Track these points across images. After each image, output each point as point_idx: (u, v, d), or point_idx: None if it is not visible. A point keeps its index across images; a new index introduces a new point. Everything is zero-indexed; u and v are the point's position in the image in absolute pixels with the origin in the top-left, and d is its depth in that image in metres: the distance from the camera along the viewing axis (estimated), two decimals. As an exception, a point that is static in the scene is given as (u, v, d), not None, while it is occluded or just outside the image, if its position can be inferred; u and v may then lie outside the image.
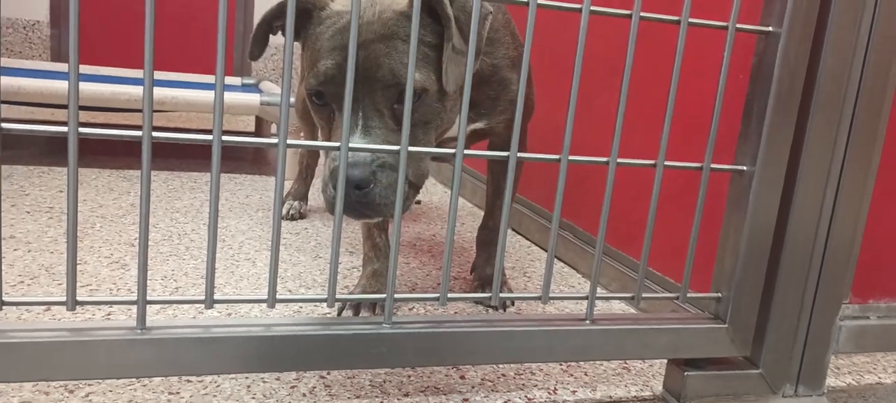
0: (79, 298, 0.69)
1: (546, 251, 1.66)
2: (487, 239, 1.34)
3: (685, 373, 0.93)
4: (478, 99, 1.13)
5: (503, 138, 1.23)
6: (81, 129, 0.65)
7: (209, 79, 2.78)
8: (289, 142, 0.71)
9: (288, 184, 1.83)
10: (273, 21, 0.96)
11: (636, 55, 0.81)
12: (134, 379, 0.89)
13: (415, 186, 0.93)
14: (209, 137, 0.68)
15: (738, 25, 0.85)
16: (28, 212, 1.52)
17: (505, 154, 0.80)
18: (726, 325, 0.92)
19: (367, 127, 0.87)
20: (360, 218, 0.88)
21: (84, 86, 1.97)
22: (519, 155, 0.80)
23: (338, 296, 0.78)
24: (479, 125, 1.18)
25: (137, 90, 2.02)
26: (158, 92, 2.03)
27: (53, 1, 3.70)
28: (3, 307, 0.68)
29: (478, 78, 1.10)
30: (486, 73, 1.11)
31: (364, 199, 0.85)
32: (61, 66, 2.65)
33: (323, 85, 0.88)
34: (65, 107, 2.18)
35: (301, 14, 0.93)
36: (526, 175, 1.76)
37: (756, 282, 0.92)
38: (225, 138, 0.69)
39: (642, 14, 0.81)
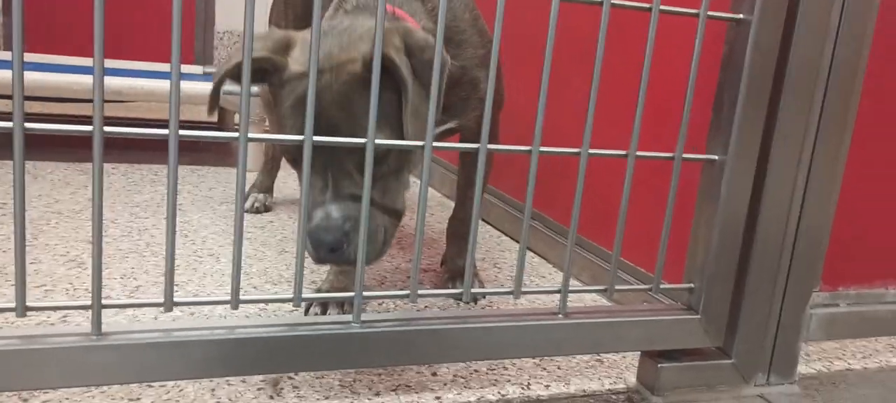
0: (29, 303, 0.65)
1: (516, 241, 1.65)
2: (458, 230, 1.32)
3: (658, 365, 0.92)
4: (448, 102, 1.11)
5: (474, 131, 1.21)
6: (28, 124, 0.62)
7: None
8: (251, 135, 0.68)
9: (252, 176, 1.79)
10: (228, 78, 0.91)
11: (607, 43, 0.79)
12: (92, 386, 0.85)
13: (394, 224, 0.95)
14: (166, 131, 0.65)
15: (710, 13, 0.84)
16: (-20, 210, 1.46)
17: (475, 146, 0.77)
18: (699, 316, 0.92)
19: (338, 191, 0.88)
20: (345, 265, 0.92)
21: (34, 76, 1.90)
22: (488, 146, 0.78)
23: (304, 295, 0.75)
24: (450, 125, 1.17)
25: (90, 79, 1.95)
26: (115, 81, 1.96)
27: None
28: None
29: (448, 82, 1.08)
30: (456, 76, 1.10)
31: (340, 258, 0.86)
32: (9, 55, 2.56)
33: (290, 153, 0.92)
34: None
35: (258, 72, 0.90)
36: (497, 165, 1.74)
37: (728, 273, 0.91)
38: (183, 132, 0.65)
39: (613, 1, 0.79)
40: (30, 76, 1.92)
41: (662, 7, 0.81)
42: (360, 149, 0.84)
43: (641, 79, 0.82)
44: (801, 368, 1.07)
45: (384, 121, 0.89)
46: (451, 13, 1.12)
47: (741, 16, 0.85)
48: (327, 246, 0.86)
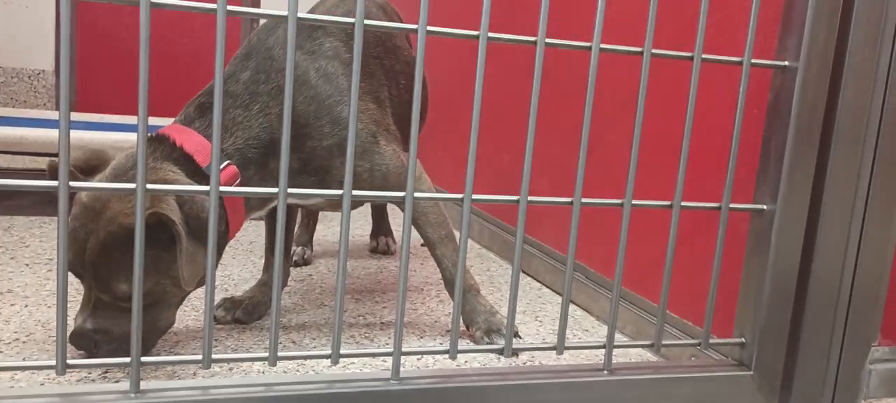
0: (69, 360, 0.65)
1: (557, 293, 1.62)
2: (453, 291, 1.29)
3: (709, 424, 0.88)
4: (300, 184, 1.17)
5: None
6: (72, 183, 0.63)
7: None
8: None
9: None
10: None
11: (649, 91, 0.78)
12: (130, 442, 0.84)
13: (160, 332, 1.11)
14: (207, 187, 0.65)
15: (754, 61, 0.82)
16: (27, 265, 1.49)
17: (512, 198, 0.76)
18: (751, 372, 0.88)
19: (96, 307, 1.04)
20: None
21: (81, 134, 1.96)
22: (530, 199, 0.76)
23: (343, 352, 0.74)
24: (319, 201, 1.26)
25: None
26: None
27: (59, 51, 3.72)
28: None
29: (291, 172, 1.16)
30: (296, 168, 1.17)
31: (97, 355, 1.03)
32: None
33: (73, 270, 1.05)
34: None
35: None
36: (535, 216, 1.73)
37: (781, 326, 0.88)
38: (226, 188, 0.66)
39: (654, 50, 0.78)
40: (81, 134, 1.98)
41: (705, 56, 0.79)
42: (107, 282, 1.02)
43: (685, 128, 0.81)
44: (862, 427, 1.02)
45: (154, 267, 1.02)
46: (276, 117, 1.14)
47: (787, 63, 0.83)
48: (80, 349, 1.04)
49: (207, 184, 1.06)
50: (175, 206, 1.00)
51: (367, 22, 0.68)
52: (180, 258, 0.98)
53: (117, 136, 2.00)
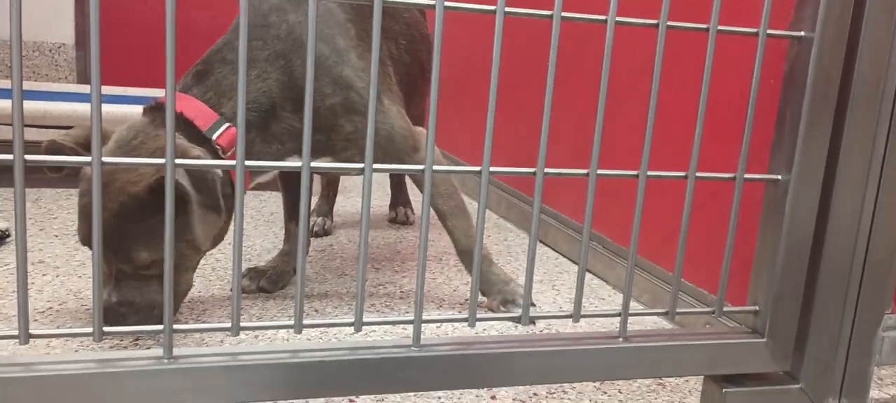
0: (105, 328, 0.68)
1: (574, 262, 1.64)
2: (468, 263, 1.31)
3: (723, 390, 0.90)
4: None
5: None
6: (105, 159, 0.65)
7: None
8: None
9: (313, 201, 1.83)
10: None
11: (664, 61, 0.79)
12: (162, 406, 0.88)
13: (181, 296, 1.15)
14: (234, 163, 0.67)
15: (769, 31, 0.82)
16: (56, 236, 1.53)
17: (529, 170, 0.78)
18: (765, 339, 0.89)
19: (118, 280, 1.06)
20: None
21: (105, 108, 1.99)
22: (546, 171, 0.78)
23: (365, 320, 0.77)
24: (326, 161, 1.22)
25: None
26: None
27: (79, 24, 3.76)
28: (30, 340, 0.67)
29: (294, 132, 1.18)
30: (300, 128, 1.16)
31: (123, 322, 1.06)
32: (88, 89, 2.69)
33: (81, 239, 1.08)
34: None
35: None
36: (552, 186, 1.74)
37: (795, 294, 0.89)
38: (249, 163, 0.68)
39: (669, 23, 0.79)
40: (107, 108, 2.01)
41: (721, 27, 0.80)
42: (123, 252, 1.04)
43: (700, 99, 0.82)
44: (874, 393, 1.03)
45: (153, 238, 1.03)
46: (288, 74, 1.15)
47: (802, 33, 0.83)
48: (109, 324, 1.00)
49: (208, 147, 1.10)
50: (182, 170, 1.02)
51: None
52: (193, 219, 1.00)
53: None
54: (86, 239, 1.06)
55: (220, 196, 1.05)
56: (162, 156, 0.99)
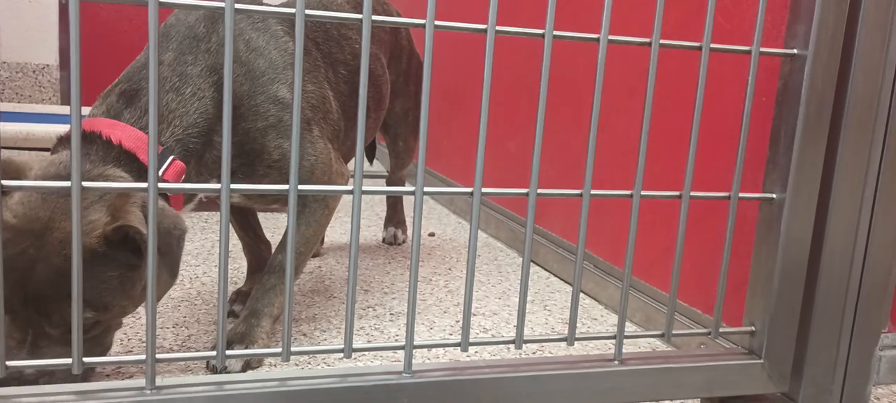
0: (86, 359, 0.66)
1: (565, 282, 1.62)
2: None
3: (720, 412, 0.89)
4: (236, 168, 1.08)
5: (268, 200, 1.21)
6: (85, 184, 0.63)
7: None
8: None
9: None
10: None
11: (658, 79, 0.78)
12: (145, 437, 0.85)
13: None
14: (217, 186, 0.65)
15: (762, 49, 0.82)
16: (38, 260, 1.50)
17: (521, 190, 0.76)
18: (762, 360, 0.88)
19: (36, 345, 0.89)
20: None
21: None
22: (539, 191, 0.76)
23: (355, 346, 0.74)
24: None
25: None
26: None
27: (63, 45, 3.73)
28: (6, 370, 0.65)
29: (235, 150, 1.07)
30: (233, 153, 1.07)
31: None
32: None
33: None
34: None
35: None
36: (542, 205, 1.73)
37: (791, 314, 0.88)
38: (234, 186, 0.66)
39: (662, 41, 0.78)
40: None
41: (713, 45, 0.79)
42: (60, 313, 0.87)
43: (694, 117, 0.81)
44: (872, 413, 1.02)
45: (102, 301, 0.89)
46: (221, 91, 1.04)
47: (795, 51, 0.83)
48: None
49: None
50: (141, 217, 0.89)
51: (374, 18, 0.68)
52: (148, 278, 0.88)
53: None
54: (7, 302, 0.84)
55: (180, 258, 0.93)
56: (116, 201, 0.88)
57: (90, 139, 0.95)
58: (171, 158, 0.99)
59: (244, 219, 1.39)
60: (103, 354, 0.96)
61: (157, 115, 0.63)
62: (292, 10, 0.66)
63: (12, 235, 0.85)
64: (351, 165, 1.83)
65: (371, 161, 1.97)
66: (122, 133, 0.96)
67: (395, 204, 1.97)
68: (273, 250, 1.39)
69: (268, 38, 1.12)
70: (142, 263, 0.88)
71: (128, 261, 0.89)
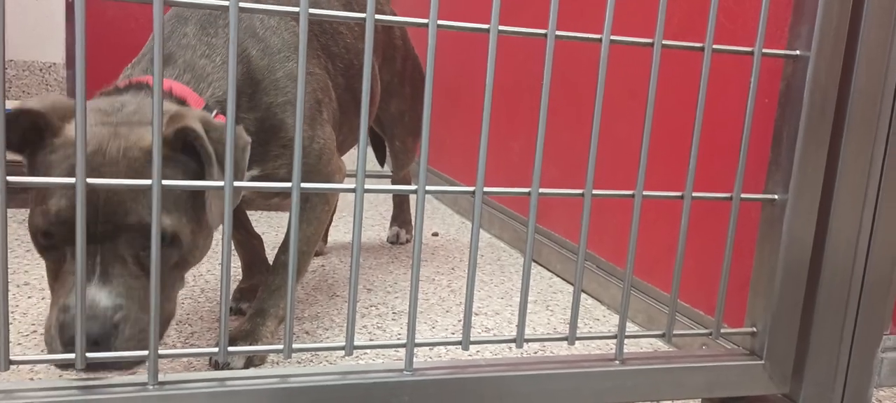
0: (89, 355, 0.66)
1: (568, 282, 1.62)
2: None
3: (721, 413, 0.89)
4: (256, 145, 1.06)
5: (283, 180, 1.12)
6: (90, 180, 0.63)
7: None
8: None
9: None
10: None
11: (660, 80, 0.78)
12: (148, 433, 0.86)
13: (162, 328, 0.88)
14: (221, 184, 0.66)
15: (765, 50, 0.82)
16: (43, 257, 1.51)
17: (523, 190, 0.77)
18: (763, 361, 0.88)
19: (107, 274, 0.79)
20: (98, 372, 0.76)
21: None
22: (542, 191, 0.77)
23: (356, 343, 0.75)
24: (253, 172, 1.09)
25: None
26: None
27: (69, 43, 3.74)
28: (11, 366, 0.65)
29: (255, 126, 1.07)
30: (252, 129, 1.06)
31: (101, 353, 0.74)
32: (77, 108, 2.66)
33: (54, 226, 0.79)
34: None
35: (29, 130, 0.83)
36: (545, 205, 1.73)
37: (793, 315, 0.88)
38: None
39: (664, 42, 0.78)
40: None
41: (716, 46, 0.79)
42: (139, 231, 0.79)
43: (696, 117, 0.81)
44: (874, 415, 1.02)
45: (175, 204, 0.84)
46: (246, 64, 1.06)
47: (798, 52, 0.83)
48: (92, 338, 0.75)
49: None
50: (200, 124, 0.84)
51: (377, 17, 0.68)
52: (208, 193, 0.83)
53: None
54: (64, 211, 0.78)
55: (244, 170, 0.90)
56: (174, 115, 0.85)
57: (139, 86, 0.94)
58: (215, 112, 0.99)
59: (235, 217, 1.39)
60: (177, 293, 0.91)
61: (161, 110, 0.63)
62: (296, 8, 0.66)
63: (74, 150, 0.79)
64: (350, 165, 1.84)
65: (382, 163, 1.98)
66: (169, 83, 0.97)
67: (400, 203, 1.98)
68: (265, 245, 1.40)
69: (278, 19, 1.13)
70: (206, 170, 0.84)
71: (194, 169, 0.86)
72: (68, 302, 0.77)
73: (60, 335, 0.76)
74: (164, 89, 0.92)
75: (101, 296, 0.78)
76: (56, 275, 0.82)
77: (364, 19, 0.67)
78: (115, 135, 0.82)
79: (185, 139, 0.84)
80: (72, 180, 0.62)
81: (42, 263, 0.84)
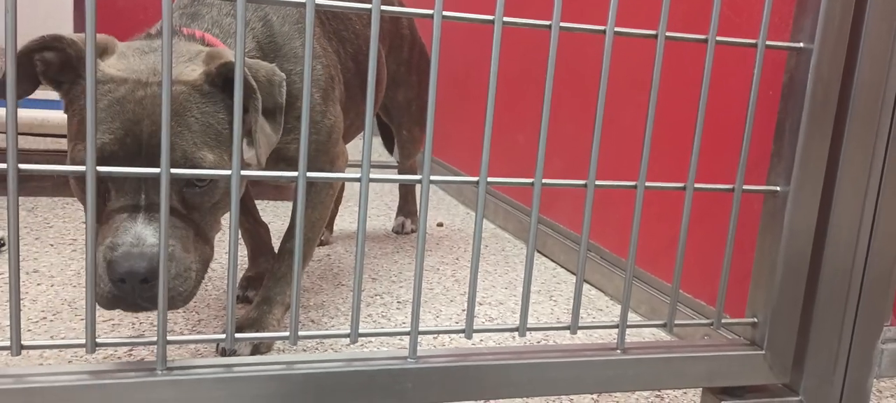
0: (99, 339, 0.67)
1: (571, 272, 1.63)
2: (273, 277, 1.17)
3: (721, 402, 0.89)
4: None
5: (294, 161, 1.10)
6: (99, 168, 0.64)
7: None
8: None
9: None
10: (33, 54, 0.85)
11: (663, 71, 0.79)
12: (156, 418, 0.87)
13: (203, 268, 0.87)
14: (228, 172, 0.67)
15: (768, 42, 0.82)
16: (51, 245, 1.52)
17: (527, 181, 0.77)
18: (764, 351, 0.89)
19: (151, 212, 0.79)
20: (140, 311, 0.80)
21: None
22: (545, 181, 0.77)
23: (361, 331, 0.76)
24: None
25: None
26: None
27: (79, 32, 3.75)
28: (22, 351, 0.67)
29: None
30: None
31: (149, 293, 0.77)
32: (84, 97, 2.68)
33: (99, 162, 0.76)
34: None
35: (66, 66, 0.84)
36: (549, 196, 1.74)
37: (794, 306, 0.88)
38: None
39: (668, 33, 0.79)
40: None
41: (719, 38, 0.80)
42: (183, 167, 0.79)
43: (699, 109, 0.81)
44: (874, 406, 1.03)
45: (216, 141, 0.83)
46: (268, 28, 1.07)
47: (801, 44, 0.83)
48: (138, 275, 0.75)
49: None
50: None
51: (383, 8, 0.69)
52: (254, 128, 0.83)
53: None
54: (118, 153, 0.77)
55: (282, 107, 0.90)
56: (197, 60, 0.86)
57: (172, 32, 0.95)
58: None
59: (242, 205, 1.40)
60: (214, 237, 0.91)
61: (169, 95, 0.64)
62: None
63: (118, 83, 0.80)
64: (356, 155, 1.85)
65: (390, 150, 1.98)
66: (200, 32, 0.97)
67: (406, 194, 1.99)
68: (271, 233, 1.41)
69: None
70: (250, 104, 0.84)
71: (227, 109, 0.86)
72: (116, 239, 0.77)
73: (109, 273, 0.77)
74: (196, 36, 0.95)
75: (148, 233, 0.78)
76: (98, 214, 0.81)
77: (370, 9, 0.68)
78: (155, 71, 0.82)
79: (227, 76, 0.84)
80: (82, 169, 0.63)
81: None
